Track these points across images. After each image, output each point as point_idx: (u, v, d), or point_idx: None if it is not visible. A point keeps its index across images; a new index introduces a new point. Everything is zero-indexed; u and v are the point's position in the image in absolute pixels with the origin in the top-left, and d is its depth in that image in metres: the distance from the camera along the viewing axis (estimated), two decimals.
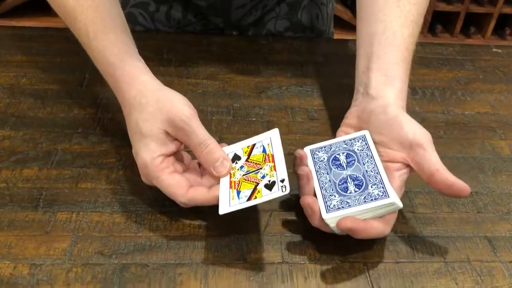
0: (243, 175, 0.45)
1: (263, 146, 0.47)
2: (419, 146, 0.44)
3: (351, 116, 0.51)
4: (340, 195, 0.43)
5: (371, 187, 0.43)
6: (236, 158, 0.48)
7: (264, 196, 0.42)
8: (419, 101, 0.67)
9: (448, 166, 0.56)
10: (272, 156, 0.46)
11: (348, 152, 0.47)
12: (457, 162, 0.57)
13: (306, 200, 0.43)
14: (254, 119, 0.61)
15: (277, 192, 0.42)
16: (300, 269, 0.43)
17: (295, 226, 0.47)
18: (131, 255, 0.43)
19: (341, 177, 0.45)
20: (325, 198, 0.44)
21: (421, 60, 0.76)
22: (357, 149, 0.47)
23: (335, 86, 0.66)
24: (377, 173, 0.44)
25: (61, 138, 0.55)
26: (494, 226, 0.49)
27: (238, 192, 0.44)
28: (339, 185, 0.44)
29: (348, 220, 0.41)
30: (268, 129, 0.53)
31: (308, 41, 0.79)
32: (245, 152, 0.48)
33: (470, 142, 0.60)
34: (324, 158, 0.47)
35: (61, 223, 0.45)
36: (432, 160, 0.44)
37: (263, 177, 0.44)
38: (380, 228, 0.42)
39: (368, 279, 0.43)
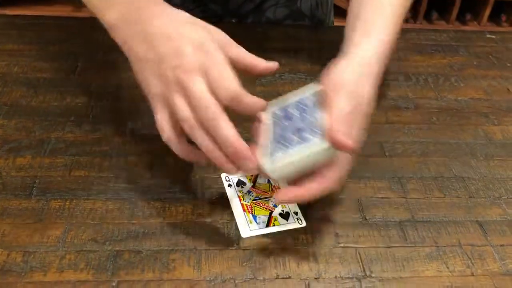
0: (253, 200, 0.48)
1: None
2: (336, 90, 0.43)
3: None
4: (284, 145, 0.42)
5: (311, 135, 0.41)
6: (241, 183, 0.49)
7: (282, 225, 0.46)
8: (412, 87, 0.67)
9: (441, 152, 0.56)
10: (279, 188, 0.49)
11: (301, 106, 0.45)
12: (449, 148, 0.57)
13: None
14: None
15: (295, 224, 0.46)
16: (292, 254, 0.43)
17: None
18: (124, 241, 0.43)
19: (295, 128, 0.43)
20: (273, 151, 0.42)
21: (415, 47, 0.76)
22: (309, 103, 0.45)
23: None
24: (321, 124, 0.42)
25: (54, 127, 0.55)
26: (485, 210, 0.49)
27: (254, 217, 0.46)
28: (295, 133, 0.42)
29: (283, 193, 0.41)
30: None
31: (303, 28, 0.79)
32: (249, 180, 0.50)
33: (463, 128, 0.60)
34: (276, 114, 0.45)
35: (54, 211, 0.45)
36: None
37: (275, 206, 0.47)
38: (315, 188, 0.41)
39: (360, 263, 0.43)
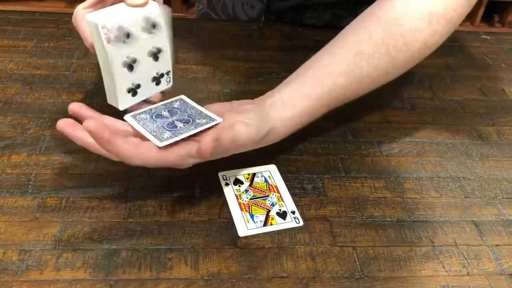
0: (251, 199, 0.48)
1: (265, 177, 0.50)
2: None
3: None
4: (170, 131, 0.44)
5: (198, 119, 0.46)
6: (238, 182, 0.49)
7: (279, 224, 0.46)
8: (408, 88, 0.67)
9: (436, 152, 0.56)
10: (276, 187, 0.49)
11: (169, 109, 0.48)
12: (445, 148, 0.57)
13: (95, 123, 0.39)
14: None
15: (291, 223, 0.46)
16: (290, 253, 0.43)
17: None
18: (121, 240, 0.43)
19: (167, 122, 0.46)
20: (156, 136, 0.43)
21: None
22: (177, 106, 0.48)
23: None
24: (200, 112, 0.47)
25: (50, 124, 0.54)
26: (481, 210, 0.50)
27: (252, 216, 0.46)
28: (167, 126, 0.45)
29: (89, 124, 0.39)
30: None
31: (298, 27, 0.78)
32: (247, 179, 0.50)
33: (458, 128, 0.61)
34: (147, 117, 0.47)
35: (50, 209, 0.45)
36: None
37: (273, 205, 0.47)
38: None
39: (357, 263, 0.43)
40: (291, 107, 0.49)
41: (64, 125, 0.41)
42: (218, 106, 0.49)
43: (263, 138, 0.47)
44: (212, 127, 0.45)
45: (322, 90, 0.50)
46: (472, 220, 0.48)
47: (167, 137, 0.43)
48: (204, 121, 0.46)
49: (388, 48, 0.51)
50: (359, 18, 0.54)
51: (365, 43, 0.51)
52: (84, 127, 0.39)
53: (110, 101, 0.46)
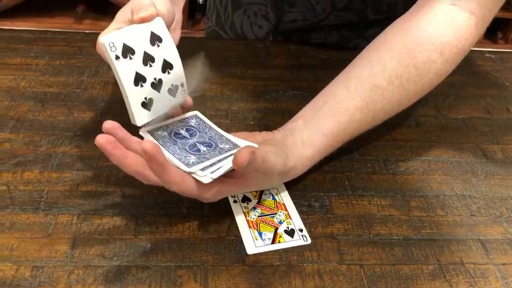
0: (259, 216, 0.48)
1: (272, 195, 0.51)
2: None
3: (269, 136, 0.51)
4: (194, 155, 0.45)
5: (221, 144, 0.47)
6: (246, 199, 0.50)
7: (287, 242, 0.46)
8: (412, 106, 0.68)
9: (441, 170, 0.57)
10: (284, 205, 0.50)
11: (186, 127, 0.49)
12: (450, 166, 0.58)
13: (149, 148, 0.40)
14: (252, 122, 0.62)
15: (299, 241, 0.46)
16: (298, 271, 0.44)
17: None
18: (131, 257, 0.44)
19: (189, 144, 0.47)
20: (181, 160, 0.44)
21: None
22: (194, 124, 0.50)
23: None
24: (221, 136, 0.48)
25: (61, 141, 0.55)
26: (487, 229, 0.50)
27: (260, 233, 0.47)
28: (190, 149, 0.46)
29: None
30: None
31: (304, 46, 0.80)
32: (255, 196, 0.50)
33: (463, 146, 0.61)
34: (165, 135, 0.48)
35: (62, 226, 0.46)
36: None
37: (280, 222, 0.48)
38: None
39: (365, 281, 0.44)
40: (311, 146, 0.50)
41: (104, 141, 0.42)
42: (243, 135, 0.50)
43: (286, 173, 0.48)
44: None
45: (339, 128, 0.51)
46: (478, 239, 0.49)
47: (192, 163, 0.44)
48: (227, 146, 0.47)
49: (402, 81, 0.51)
50: (371, 46, 0.55)
51: (379, 76, 0.51)
52: (141, 146, 0.39)
53: (132, 120, 0.47)
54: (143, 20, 0.46)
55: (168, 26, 0.50)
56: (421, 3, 0.55)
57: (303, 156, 0.50)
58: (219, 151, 0.46)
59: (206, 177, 0.43)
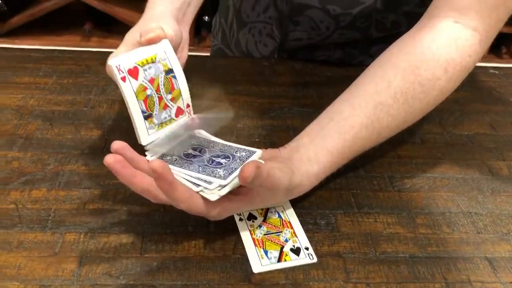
0: (264, 234, 0.48)
1: (278, 212, 0.51)
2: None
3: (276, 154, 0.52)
4: (220, 168, 0.46)
5: (236, 153, 0.48)
6: (252, 217, 0.50)
7: (294, 260, 0.46)
8: (417, 122, 0.68)
9: (447, 187, 0.57)
10: (289, 223, 0.50)
11: (192, 147, 0.50)
12: (456, 183, 0.58)
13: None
14: (257, 139, 0.62)
15: (305, 259, 0.46)
16: None
17: None
18: (138, 275, 0.44)
19: (205, 159, 0.47)
20: (210, 175, 0.45)
21: None
22: (196, 143, 0.50)
23: None
24: (229, 146, 0.49)
25: (69, 159, 0.56)
26: (494, 246, 0.50)
27: (266, 252, 0.47)
28: (211, 163, 0.47)
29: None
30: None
31: (309, 63, 0.80)
32: (260, 214, 0.51)
33: (469, 163, 0.61)
34: (176, 158, 0.48)
35: (69, 244, 0.46)
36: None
37: (286, 240, 0.48)
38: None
39: None
40: (316, 163, 0.50)
41: (113, 161, 0.42)
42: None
43: (291, 190, 0.48)
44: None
45: (344, 145, 0.51)
46: (486, 257, 0.48)
47: (224, 174, 0.45)
48: (243, 154, 0.48)
49: (407, 98, 0.52)
50: (375, 64, 0.55)
51: (384, 93, 0.52)
52: (150, 165, 0.39)
53: (138, 139, 0.48)
54: (150, 42, 0.47)
55: (176, 47, 0.51)
56: (424, 21, 0.55)
57: (309, 173, 0.50)
58: (239, 159, 0.47)
59: (213, 195, 0.43)
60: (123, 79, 0.45)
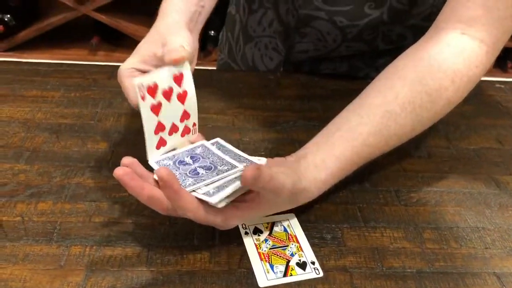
0: (270, 248, 0.48)
1: (284, 226, 0.51)
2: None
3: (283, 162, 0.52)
4: (192, 177, 0.46)
5: (220, 166, 0.48)
6: (258, 231, 0.50)
7: (300, 275, 0.46)
8: (423, 136, 0.68)
9: (454, 201, 0.57)
10: (295, 237, 0.50)
11: (192, 155, 0.51)
12: (463, 197, 0.57)
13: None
14: (263, 153, 0.62)
15: (312, 274, 0.46)
16: None
17: None
18: None
19: (190, 168, 0.48)
20: (180, 181, 0.45)
21: None
22: (199, 152, 0.51)
23: None
24: (222, 159, 0.50)
25: (75, 172, 0.56)
26: (503, 262, 0.49)
27: (272, 266, 0.46)
28: (190, 173, 0.48)
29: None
30: None
31: (315, 76, 0.81)
32: (266, 228, 0.50)
33: (476, 177, 0.61)
34: (169, 164, 0.50)
35: (74, 257, 0.46)
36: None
37: (292, 255, 0.48)
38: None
39: None
40: (324, 169, 0.50)
41: (122, 173, 0.43)
42: (254, 159, 0.51)
43: (297, 195, 0.48)
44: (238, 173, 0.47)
45: (352, 151, 0.51)
46: (494, 272, 0.48)
47: (189, 184, 0.45)
48: (225, 168, 0.48)
49: (415, 107, 0.52)
50: (382, 76, 0.55)
51: (392, 102, 0.52)
52: (156, 174, 0.41)
53: (147, 157, 0.50)
54: (175, 63, 0.49)
55: (190, 61, 0.51)
56: (431, 33, 0.56)
57: (317, 180, 0.50)
58: (216, 173, 0.47)
59: (221, 202, 0.44)
60: (143, 97, 0.47)
